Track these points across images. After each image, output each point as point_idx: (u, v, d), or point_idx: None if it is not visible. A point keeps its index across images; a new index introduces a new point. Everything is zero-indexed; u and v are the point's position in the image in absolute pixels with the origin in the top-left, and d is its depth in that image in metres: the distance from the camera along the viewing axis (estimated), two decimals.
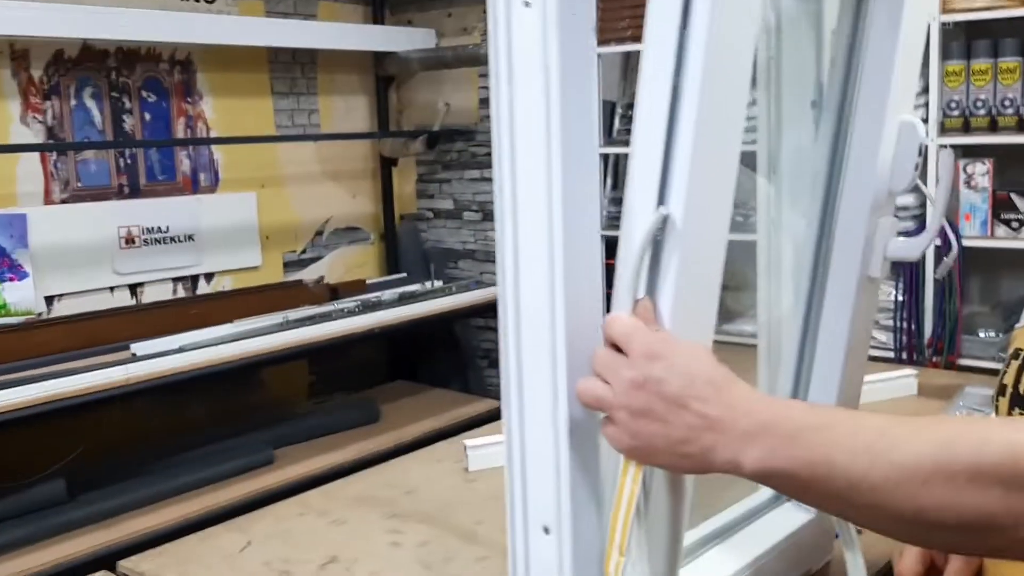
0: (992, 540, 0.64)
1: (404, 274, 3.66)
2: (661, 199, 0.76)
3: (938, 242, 2.65)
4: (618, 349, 0.75)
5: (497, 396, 3.39)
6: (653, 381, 0.72)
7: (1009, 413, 0.84)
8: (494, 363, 3.77)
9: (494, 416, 2.41)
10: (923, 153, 1.00)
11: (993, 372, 2.52)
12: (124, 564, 1.32)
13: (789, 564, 1.10)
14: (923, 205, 2.77)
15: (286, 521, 1.42)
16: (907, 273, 2.78)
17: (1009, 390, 0.84)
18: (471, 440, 1.62)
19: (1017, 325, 0.99)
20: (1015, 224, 2.70)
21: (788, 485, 0.71)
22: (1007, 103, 2.65)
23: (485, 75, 3.55)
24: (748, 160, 1.15)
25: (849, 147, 1.01)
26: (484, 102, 3.67)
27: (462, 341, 3.79)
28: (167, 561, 1.31)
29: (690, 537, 1.05)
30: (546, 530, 0.83)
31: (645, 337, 0.74)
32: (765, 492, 1.14)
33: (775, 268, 1.12)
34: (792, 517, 1.11)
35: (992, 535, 0.63)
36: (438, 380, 3.66)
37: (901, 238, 1.03)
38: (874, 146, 0.98)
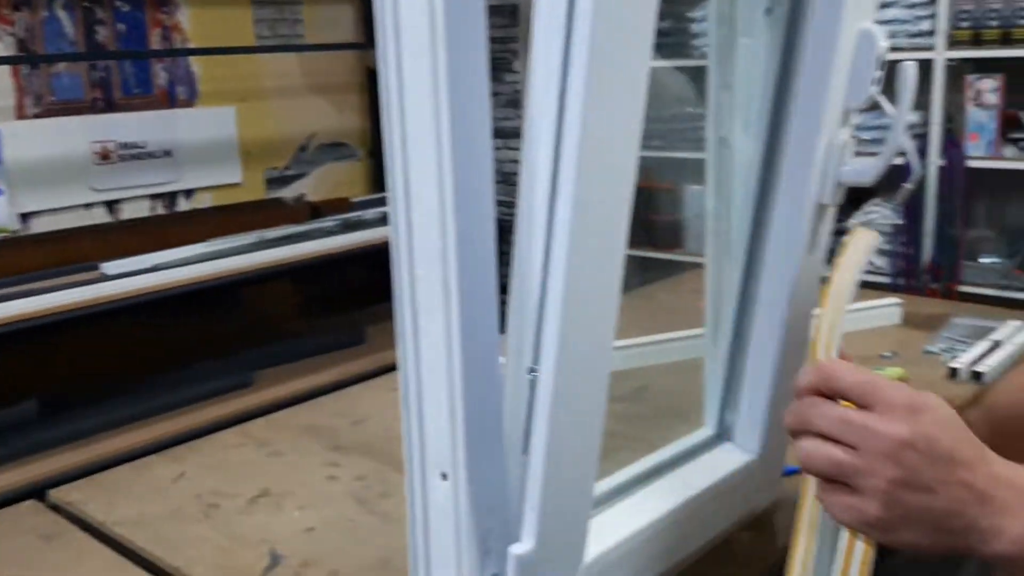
0: None
1: None
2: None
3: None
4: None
5: None
6: (923, 440, 0.60)
7: None
8: None
9: None
10: (883, 66, 0.90)
11: (993, 300, 2.43)
12: (54, 494, 1.28)
13: (731, 503, 1.04)
14: (926, 124, 2.64)
15: (224, 452, 1.38)
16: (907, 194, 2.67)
17: None
18: (400, 376, 1.56)
19: None
20: (1023, 143, 2.57)
21: None
22: (1021, 13, 2.50)
23: None
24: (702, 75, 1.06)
25: (801, 58, 0.90)
26: None
27: None
28: (96, 491, 1.26)
29: (626, 474, 0.99)
30: (443, 476, 0.78)
31: (895, 386, 0.63)
32: (707, 429, 1.07)
33: (724, 188, 1.03)
34: (734, 457, 1.04)
35: None
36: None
37: (858, 159, 0.94)
38: (829, 56, 0.88)
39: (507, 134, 3.58)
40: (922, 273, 2.64)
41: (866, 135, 2.54)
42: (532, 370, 0.75)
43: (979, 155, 2.60)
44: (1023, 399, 1.07)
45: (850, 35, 0.89)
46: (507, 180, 3.41)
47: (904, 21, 2.57)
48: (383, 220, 3.06)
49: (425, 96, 0.68)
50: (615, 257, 0.74)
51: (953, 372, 1.50)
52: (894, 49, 2.59)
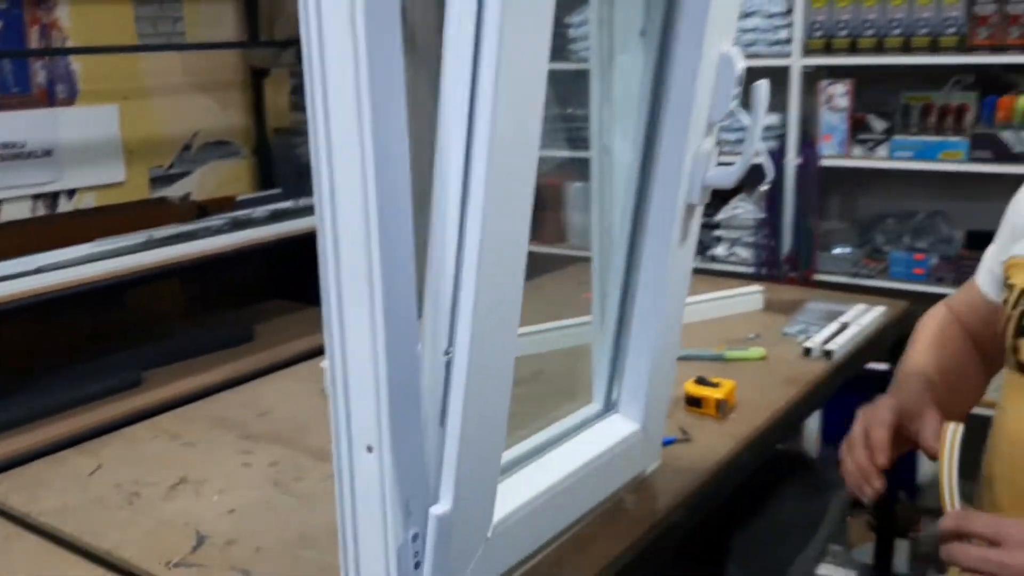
0: None
1: (278, 190, 3.58)
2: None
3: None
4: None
5: None
6: None
7: None
8: None
9: None
10: (741, 83, 1.04)
11: (845, 287, 2.65)
12: None
13: (619, 467, 1.16)
14: (784, 125, 2.86)
15: (138, 444, 1.43)
16: (768, 192, 2.89)
17: None
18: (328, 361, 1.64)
19: (1008, 253, 1.07)
20: (871, 144, 2.82)
21: None
22: (868, 24, 2.74)
23: None
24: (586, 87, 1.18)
25: (671, 77, 1.03)
26: None
27: None
28: (15, 484, 1.30)
29: (528, 444, 1.10)
30: (369, 449, 0.87)
31: (1014, 524, 0.86)
32: (595, 405, 1.20)
33: (607, 190, 1.16)
34: (621, 426, 1.17)
35: None
36: (317, 298, 3.64)
37: (721, 166, 1.08)
38: (693, 77, 1.02)
39: None
40: (782, 263, 2.87)
41: (732, 136, 2.75)
42: (447, 352, 0.85)
43: (832, 154, 2.83)
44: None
45: (712, 57, 1.02)
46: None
47: (764, 30, 2.78)
48: (271, 218, 3.10)
49: (348, 102, 0.76)
50: (520, 250, 0.85)
51: (807, 351, 1.68)
52: (754, 56, 2.81)
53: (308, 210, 3.28)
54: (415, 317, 0.85)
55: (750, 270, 2.91)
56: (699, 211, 1.10)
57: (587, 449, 1.10)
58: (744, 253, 2.92)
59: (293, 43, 3.53)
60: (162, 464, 1.35)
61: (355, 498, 0.89)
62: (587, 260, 1.22)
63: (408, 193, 0.82)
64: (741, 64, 1.03)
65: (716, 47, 1.02)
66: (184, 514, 1.20)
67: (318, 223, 0.85)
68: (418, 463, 0.88)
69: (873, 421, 1.04)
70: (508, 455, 1.02)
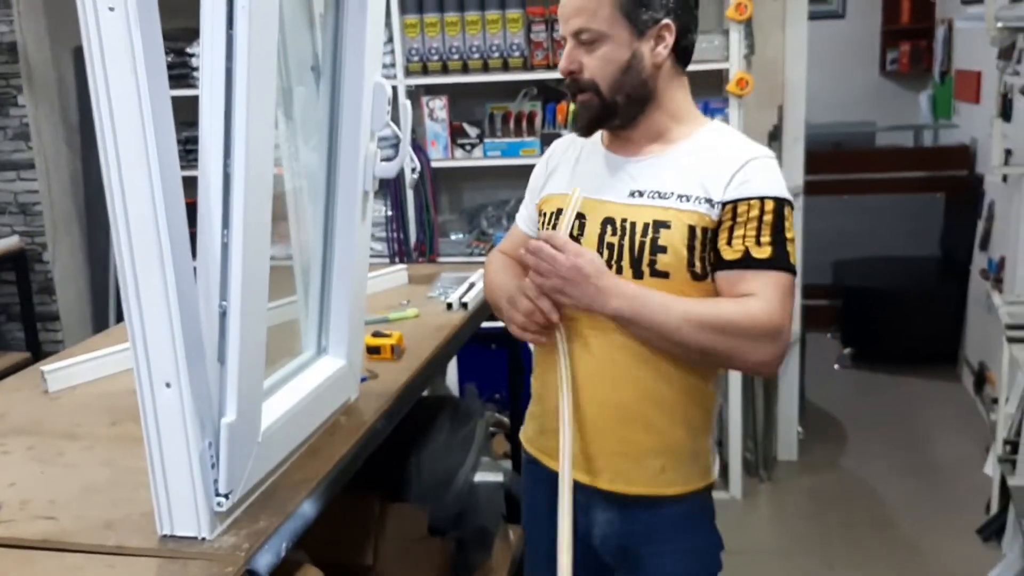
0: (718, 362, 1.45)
1: None
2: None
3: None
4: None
5: (21, 349, 3.42)
6: (578, 267, 1.38)
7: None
8: (13, 317, 3.71)
9: (25, 367, 2.45)
10: (391, 102, 1.47)
11: (463, 265, 3.19)
12: None
13: (333, 395, 1.54)
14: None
15: None
16: (392, 192, 3.38)
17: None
18: (47, 365, 1.82)
19: (541, 196, 1.60)
20: (468, 147, 3.41)
21: (627, 321, 1.39)
22: (453, 50, 3.32)
23: None
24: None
25: (343, 100, 1.44)
26: None
27: None
28: None
29: (272, 380, 1.43)
30: (167, 384, 1.17)
31: (570, 243, 1.41)
32: (310, 352, 1.57)
33: (298, 194, 1.54)
34: (332, 363, 1.55)
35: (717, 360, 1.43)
36: None
37: (384, 162, 1.51)
38: (358, 100, 1.44)
39: (19, 165, 3.64)
40: (412, 251, 3.38)
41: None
42: (221, 305, 1.19)
43: (438, 157, 3.39)
44: None
45: (370, 85, 1.45)
46: (24, 210, 3.54)
47: None
48: None
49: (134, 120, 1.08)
50: (265, 233, 1.20)
51: (449, 306, 2.18)
52: None
53: None
54: (193, 281, 1.17)
55: (385, 261, 3.38)
56: (372, 196, 1.52)
57: (312, 379, 1.48)
58: (379, 246, 3.39)
59: None
60: None
61: (159, 423, 1.19)
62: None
63: (180, 194, 1.15)
64: (389, 90, 1.46)
65: (372, 77, 1.44)
66: None
67: (111, 219, 1.12)
68: (205, 390, 1.20)
69: (521, 288, 1.48)
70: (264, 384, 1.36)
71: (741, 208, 1.41)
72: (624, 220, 1.44)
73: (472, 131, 3.42)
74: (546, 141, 3.31)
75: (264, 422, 1.31)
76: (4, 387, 1.86)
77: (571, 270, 1.39)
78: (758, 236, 1.40)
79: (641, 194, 1.45)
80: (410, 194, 3.37)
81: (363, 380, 1.72)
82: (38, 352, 3.56)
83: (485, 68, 3.31)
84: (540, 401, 1.60)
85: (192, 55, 3.38)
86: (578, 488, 1.49)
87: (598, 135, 1.54)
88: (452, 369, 3.16)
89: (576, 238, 1.47)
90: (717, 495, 1.60)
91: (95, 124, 1.11)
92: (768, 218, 1.40)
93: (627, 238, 1.43)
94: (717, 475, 1.57)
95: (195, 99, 1.14)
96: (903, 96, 6.55)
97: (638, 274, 1.43)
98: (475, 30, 3.28)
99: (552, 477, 1.52)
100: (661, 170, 1.46)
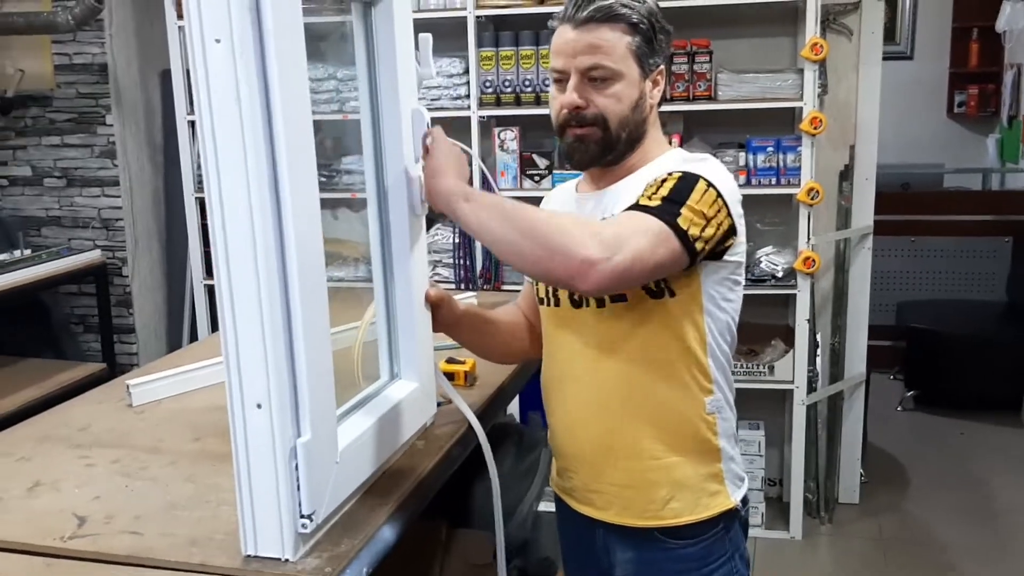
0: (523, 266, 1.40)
1: None
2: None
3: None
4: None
5: (98, 360, 3.53)
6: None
7: (545, 289, 1.56)
8: (90, 328, 3.83)
9: (101, 379, 2.55)
10: (429, 128, 1.49)
11: None
12: None
13: (409, 419, 1.56)
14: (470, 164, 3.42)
15: None
16: None
17: None
18: (132, 380, 1.88)
19: None
20: (537, 178, 3.45)
21: (466, 221, 1.39)
22: (527, 83, 3.37)
23: (59, 41, 3.56)
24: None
25: (383, 129, 1.49)
26: (60, 68, 3.66)
27: (53, 309, 3.79)
28: None
29: (347, 405, 1.45)
30: (259, 406, 1.21)
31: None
32: (384, 378, 1.59)
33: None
34: (404, 388, 1.56)
35: (522, 262, 1.37)
36: (28, 350, 3.65)
37: None
38: (397, 127, 1.47)
39: (104, 182, 3.76)
40: (478, 278, 3.42)
41: None
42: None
43: (508, 187, 3.43)
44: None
45: (407, 111, 1.49)
46: (107, 226, 3.67)
47: (446, 87, 3.33)
48: None
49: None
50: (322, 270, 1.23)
51: None
52: (440, 109, 3.33)
53: (23, 262, 3.32)
54: (286, 304, 1.20)
55: (452, 286, 3.42)
56: (422, 220, 1.54)
57: (387, 402, 1.50)
58: (446, 272, 3.44)
59: None
60: (6, 477, 1.52)
61: (248, 443, 1.22)
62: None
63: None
64: (427, 116, 1.49)
65: (408, 104, 1.48)
66: (53, 505, 1.40)
67: (216, 266, 1.17)
68: (293, 414, 1.23)
69: None
70: (339, 410, 1.39)
71: (650, 183, 1.44)
72: None
73: (541, 162, 3.45)
74: None
75: (341, 443, 1.33)
76: (88, 399, 1.92)
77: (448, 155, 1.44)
78: (654, 194, 1.41)
79: (605, 219, 1.49)
80: None
81: (438, 405, 1.74)
82: (113, 364, 3.66)
83: None
84: (554, 444, 1.66)
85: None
86: (596, 526, 1.57)
87: (575, 181, 1.65)
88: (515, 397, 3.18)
89: None
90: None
91: (199, 148, 1.16)
92: (670, 183, 1.41)
93: None
94: (740, 500, 1.56)
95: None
96: (970, 139, 6.46)
97: (600, 303, 1.48)
98: (549, 63, 3.32)
99: (576, 516, 1.60)
100: (616, 196, 1.51)
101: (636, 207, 1.39)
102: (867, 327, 3.65)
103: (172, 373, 1.89)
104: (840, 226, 3.51)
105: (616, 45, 1.45)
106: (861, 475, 3.77)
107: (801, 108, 3.11)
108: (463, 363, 1.89)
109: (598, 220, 1.49)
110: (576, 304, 1.53)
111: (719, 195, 1.41)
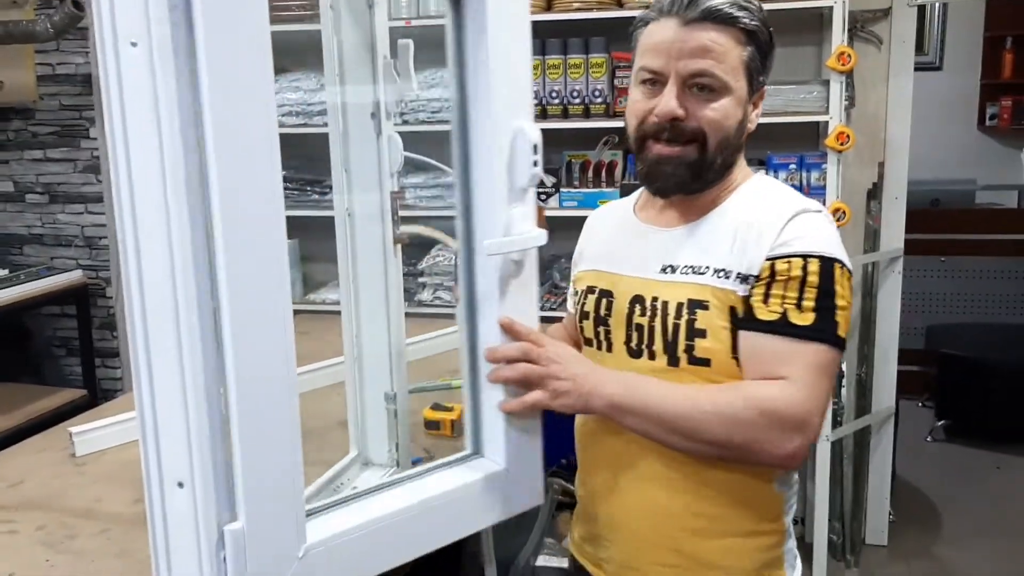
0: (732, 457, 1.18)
1: None
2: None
3: None
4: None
5: (79, 385, 3.32)
6: (562, 359, 1.19)
7: (595, 330, 1.32)
8: (73, 352, 3.64)
9: (80, 407, 2.36)
10: (536, 150, 1.17)
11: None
12: None
13: (484, 504, 1.25)
14: None
15: None
16: None
17: (592, 315, 1.32)
18: (76, 427, 1.68)
19: (576, 271, 1.44)
20: (543, 196, 3.24)
21: (624, 410, 1.18)
22: (534, 96, 3.16)
23: (42, 51, 3.39)
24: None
25: (474, 152, 1.22)
26: (42, 79, 3.49)
27: (34, 331, 3.62)
28: None
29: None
30: (180, 485, 1.00)
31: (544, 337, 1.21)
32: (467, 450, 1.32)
33: (352, 243, 1.37)
34: (485, 466, 1.27)
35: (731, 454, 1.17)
36: (7, 375, 3.47)
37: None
38: (491, 151, 1.18)
39: (88, 199, 3.59)
40: None
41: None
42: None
43: None
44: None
45: (506, 132, 1.18)
46: (91, 244, 3.47)
47: (446, 100, 3.13)
48: None
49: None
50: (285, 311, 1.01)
51: None
52: (438, 122, 3.12)
53: (2, 283, 3.14)
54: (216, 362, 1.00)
55: (453, 312, 3.21)
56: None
57: (439, 483, 1.21)
58: (447, 296, 3.23)
59: None
60: None
61: (167, 529, 1.02)
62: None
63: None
64: (533, 135, 1.17)
65: (510, 121, 1.18)
66: None
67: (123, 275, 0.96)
68: (223, 493, 1.02)
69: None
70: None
71: (780, 266, 1.19)
72: (655, 299, 1.25)
73: (548, 180, 3.24)
74: (625, 192, 3.11)
75: (320, 532, 1.09)
76: (29, 447, 1.73)
77: (553, 355, 1.19)
78: (800, 299, 1.18)
79: (674, 269, 1.26)
80: None
81: (417, 461, 1.53)
82: (95, 389, 3.48)
83: (564, 114, 3.14)
84: (586, 505, 1.39)
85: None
86: None
87: (631, 201, 1.40)
88: None
89: (604, 318, 1.30)
90: None
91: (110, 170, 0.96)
92: (813, 279, 1.18)
93: (658, 319, 1.24)
94: None
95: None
96: (1003, 153, 6.19)
97: (673, 361, 1.23)
98: (556, 75, 3.12)
99: None
100: (698, 240, 1.26)
101: (785, 324, 1.17)
102: (896, 357, 3.41)
103: (121, 420, 1.68)
104: (868, 248, 3.28)
105: (729, 53, 1.23)
106: (890, 514, 3.53)
107: (826, 122, 2.89)
108: (450, 410, 1.68)
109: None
110: (635, 354, 1.28)
111: (850, 274, 1.22)
